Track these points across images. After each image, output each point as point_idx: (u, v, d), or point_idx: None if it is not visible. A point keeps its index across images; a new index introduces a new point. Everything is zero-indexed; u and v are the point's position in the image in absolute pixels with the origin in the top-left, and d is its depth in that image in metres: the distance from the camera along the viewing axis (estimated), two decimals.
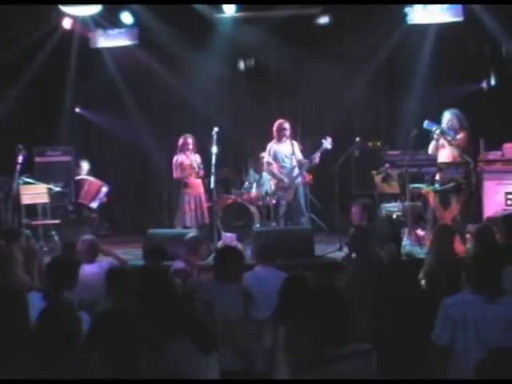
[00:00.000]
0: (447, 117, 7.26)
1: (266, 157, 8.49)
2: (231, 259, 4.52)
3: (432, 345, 3.31)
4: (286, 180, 8.28)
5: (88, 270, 5.11)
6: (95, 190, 9.33)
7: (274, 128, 8.37)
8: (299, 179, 8.29)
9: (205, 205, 8.32)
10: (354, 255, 5.50)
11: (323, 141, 8.09)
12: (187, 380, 2.92)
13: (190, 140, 8.26)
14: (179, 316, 3.25)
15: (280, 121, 8.42)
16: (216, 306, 4.12)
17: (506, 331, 3.22)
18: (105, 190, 9.39)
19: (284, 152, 8.34)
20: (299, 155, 8.33)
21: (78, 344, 2.91)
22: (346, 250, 6.82)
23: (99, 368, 2.90)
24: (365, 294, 4.26)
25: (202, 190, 8.34)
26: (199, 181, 8.31)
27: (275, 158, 8.38)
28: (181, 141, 8.31)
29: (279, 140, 8.35)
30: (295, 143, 8.39)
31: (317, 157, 8.10)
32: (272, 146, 8.42)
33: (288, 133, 8.31)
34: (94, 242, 5.63)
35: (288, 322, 3.42)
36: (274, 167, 8.39)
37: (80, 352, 2.95)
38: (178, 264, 5.54)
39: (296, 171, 8.27)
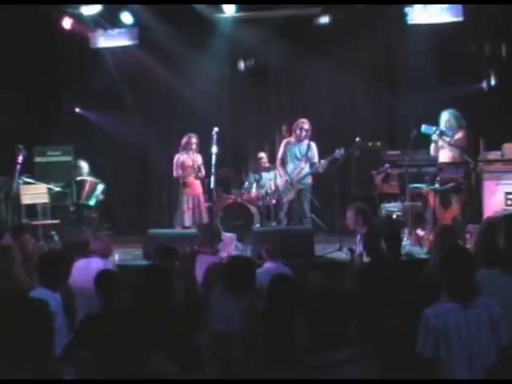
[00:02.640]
0: (445, 117, 7.25)
1: (279, 152, 8.52)
2: (243, 270, 4.42)
3: (419, 358, 3.26)
4: (289, 179, 8.28)
5: (94, 264, 5.20)
6: (92, 188, 9.36)
7: (293, 125, 8.38)
8: (307, 181, 8.29)
9: (203, 205, 8.32)
10: (364, 254, 5.46)
11: (336, 150, 8.08)
12: (185, 380, 2.91)
13: (194, 140, 8.28)
14: (160, 330, 3.18)
15: (300, 120, 8.42)
16: (214, 316, 4.10)
17: (491, 333, 3.21)
18: (100, 187, 9.39)
19: (296, 151, 8.33)
20: (316, 158, 8.30)
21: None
22: (346, 249, 6.80)
23: (86, 368, 2.90)
24: (378, 294, 4.23)
25: (200, 189, 8.34)
26: (198, 181, 8.32)
27: (286, 154, 8.39)
28: (184, 140, 8.31)
29: (296, 139, 8.35)
30: (313, 145, 8.36)
31: (324, 165, 8.13)
32: (286, 142, 8.43)
33: (304, 134, 8.30)
34: (109, 241, 5.74)
35: (274, 322, 3.40)
36: (284, 164, 8.39)
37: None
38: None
39: (303, 172, 8.26)
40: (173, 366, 2.97)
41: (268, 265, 5.28)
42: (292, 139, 8.42)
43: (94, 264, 5.22)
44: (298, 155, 8.33)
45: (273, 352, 3.20)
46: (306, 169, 8.28)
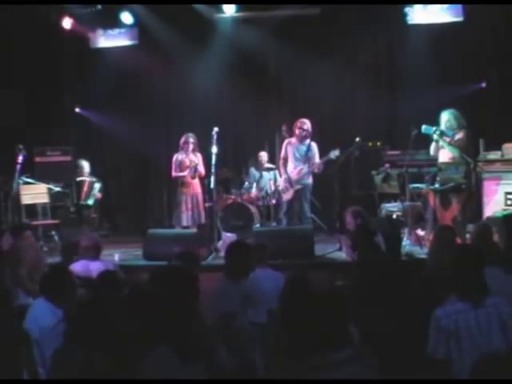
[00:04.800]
0: (445, 117, 7.24)
1: (282, 152, 8.56)
2: (240, 254, 4.56)
3: (426, 360, 3.25)
4: (289, 179, 8.31)
5: (93, 266, 5.16)
6: (90, 188, 9.39)
7: (293, 126, 8.43)
8: (305, 181, 8.30)
9: (202, 204, 8.31)
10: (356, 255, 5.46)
11: (331, 151, 8.10)
12: (185, 380, 2.91)
13: (191, 139, 8.28)
14: (160, 323, 3.18)
15: (300, 120, 8.46)
16: (220, 303, 4.14)
17: (501, 333, 3.20)
18: (97, 185, 9.41)
19: (295, 152, 8.36)
20: (316, 158, 8.32)
21: None
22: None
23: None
24: (370, 295, 4.24)
25: (199, 189, 8.33)
26: (197, 180, 8.31)
27: (287, 154, 8.42)
28: (182, 140, 8.34)
29: (296, 138, 8.38)
30: (314, 145, 8.38)
31: (318, 166, 8.17)
32: (287, 142, 8.48)
33: (304, 133, 8.32)
34: (98, 239, 5.69)
35: (287, 323, 3.41)
36: (286, 164, 8.42)
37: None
38: None
39: (302, 173, 8.28)
40: (174, 358, 2.97)
41: (256, 271, 5.18)
42: (293, 139, 8.46)
43: (92, 266, 5.20)
44: (298, 155, 8.35)
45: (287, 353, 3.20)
46: (305, 169, 8.30)
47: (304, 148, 8.32)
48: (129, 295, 3.72)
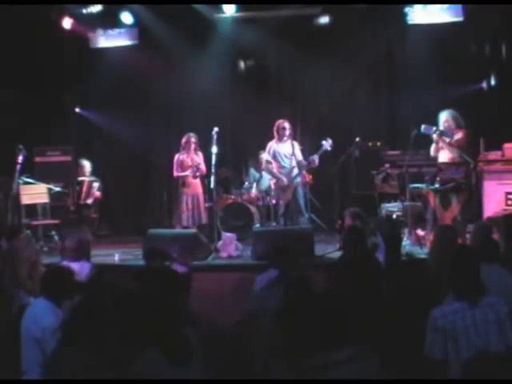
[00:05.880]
0: (443, 118, 7.24)
1: (265, 155, 8.53)
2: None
3: (426, 360, 3.26)
4: (284, 180, 8.29)
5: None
6: (89, 187, 9.40)
7: (275, 128, 8.39)
8: (298, 179, 8.30)
9: (202, 204, 8.31)
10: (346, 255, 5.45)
11: (323, 142, 8.11)
12: (184, 380, 2.91)
13: (193, 139, 8.29)
14: (150, 325, 3.17)
15: (280, 120, 8.43)
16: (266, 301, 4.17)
17: (498, 333, 3.21)
18: (96, 184, 9.42)
19: (284, 152, 8.35)
20: (299, 156, 8.33)
21: None
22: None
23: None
24: (360, 296, 4.23)
25: (200, 189, 8.33)
26: (198, 180, 8.32)
27: (274, 157, 8.40)
28: (183, 139, 8.34)
29: (279, 140, 8.37)
30: (296, 144, 8.39)
31: (316, 159, 8.12)
32: (272, 145, 8.44)
33: (288, 132, 8.32)
34: (82, 240, 5.62)
35: (287, 323, 3.41)
36: (273, 166, 8.40)
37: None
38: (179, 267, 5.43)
39: (295, 171, 8.28)
40: (164, 360, 2.97)
41: (272, 271, 5.18)
42: (276, 141, 8.42)
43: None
44: (287, 154, 8.33)
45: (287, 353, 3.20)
46: (296, 167, 8.29)
47: (289, 146, 8.30)
48: (120, 296, 3.70)
